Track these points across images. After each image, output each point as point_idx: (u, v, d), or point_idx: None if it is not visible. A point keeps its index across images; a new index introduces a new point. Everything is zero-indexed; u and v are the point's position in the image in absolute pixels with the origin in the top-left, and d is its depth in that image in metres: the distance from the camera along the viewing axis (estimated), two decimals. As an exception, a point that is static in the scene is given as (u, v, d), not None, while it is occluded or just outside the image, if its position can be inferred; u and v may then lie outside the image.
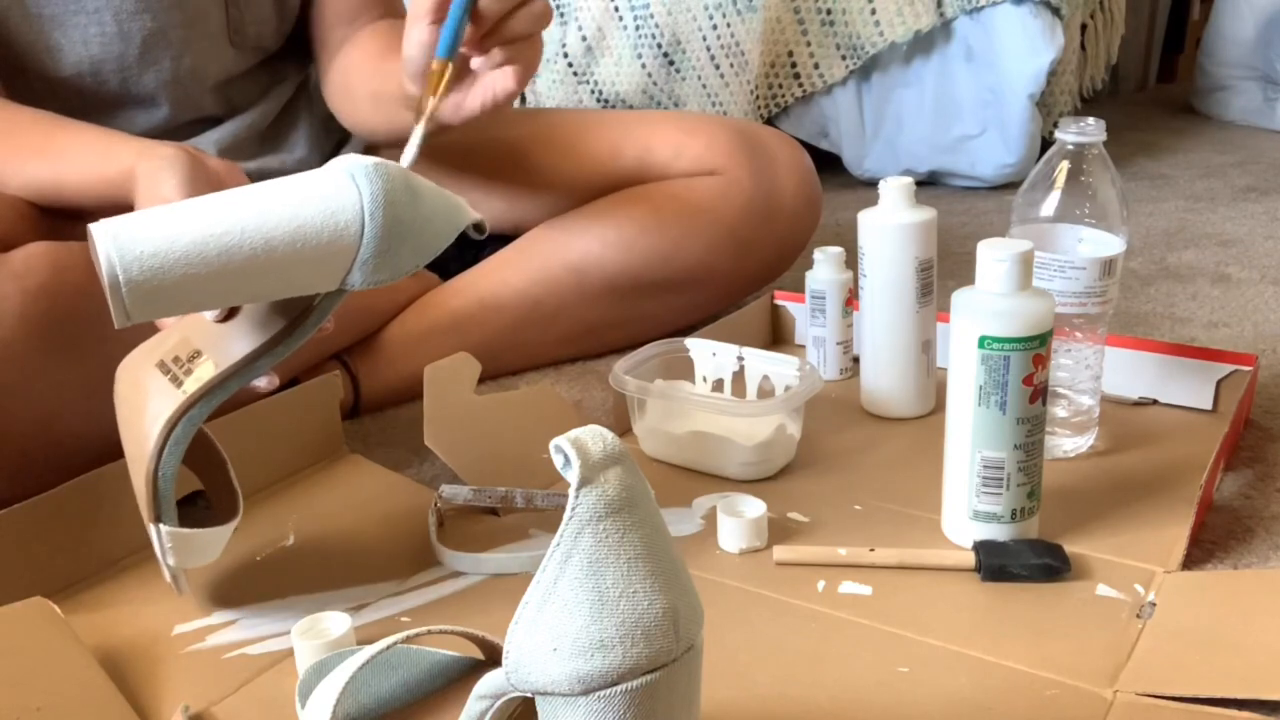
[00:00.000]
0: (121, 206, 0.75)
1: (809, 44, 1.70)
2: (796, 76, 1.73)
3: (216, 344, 0.62)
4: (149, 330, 0.77)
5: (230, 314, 0.62)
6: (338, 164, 0.58)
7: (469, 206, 0.64)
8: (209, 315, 0.62)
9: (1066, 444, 0.83)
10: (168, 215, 0.55)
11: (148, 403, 0.62)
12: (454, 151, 1.09)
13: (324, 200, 0.56)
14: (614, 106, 1.82)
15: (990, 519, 0.70)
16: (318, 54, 1.04)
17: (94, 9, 0.88)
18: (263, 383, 0.66)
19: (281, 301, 0.61)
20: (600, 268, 1.02)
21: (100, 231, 0.53)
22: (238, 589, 0.71)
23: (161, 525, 0.62)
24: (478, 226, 0.64)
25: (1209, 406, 0.89)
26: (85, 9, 0.87)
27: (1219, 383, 0.88)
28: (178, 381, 0.61)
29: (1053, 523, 0.74)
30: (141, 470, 0.62)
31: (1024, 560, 0.68)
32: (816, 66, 1.71)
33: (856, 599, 0.67)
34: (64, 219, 0.81)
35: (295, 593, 0.70)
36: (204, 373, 0.61)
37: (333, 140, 1.09)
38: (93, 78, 0.90)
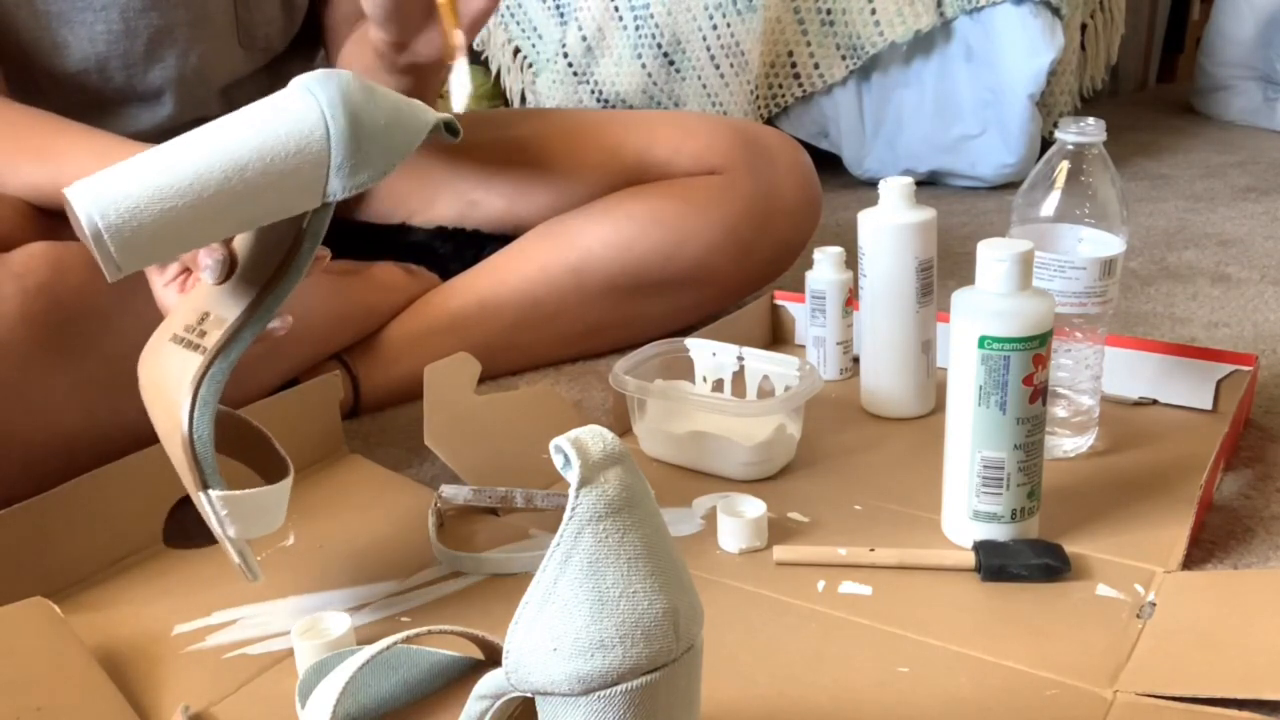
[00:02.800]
0: None
1: (809, 44, 1.70)
2: (796, 76, 1.73)
3: (222, 301, 0.62)
4: (151, 327, 0.78)
5: (229, 272, 0.62)
6: (293, 82, 0.59)
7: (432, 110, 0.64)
8: (207, 278, 0.62)
9: (1066, 444, 0.83)
10: (138, 162, 0.55)
11: (170, 374, 0.61)
12: (454, 151, 1.09)
13: (285, 114, 0.57)
14: (614, 106, 1.82)
15: (990, 519, 0.70)
16: (328, 53, 1.05)
17: (101, 6, 0.88)
18: (276, 324, 0.65)
19: (272, 237, 0.61)
20: (600, 268, 1.02)
21: (74, 191, 0.54)
22: (238, 589, 0.71)
23: (210, 492, 0.60)
24: (449, 127, 0.63)
25: (1209, 406, 0.89)
26: (92, 6, 0.87)
27: (1219, 383, 0.88)
28: (195, 346, 0.61)
29: (1053, 523, 0.74)
30: (177, 440, 0.60)
31: (1024, 560, 0.68)
32: (816, 66, 1.71)
33: (856, 599, 0.67)
34: (64, 219, 0.81)
35: (295, 593, 0.70)
36: (217, 330, 0.61)
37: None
38: (98, 74, 0.90)
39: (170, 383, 0.61)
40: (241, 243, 0.63)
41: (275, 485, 0.63)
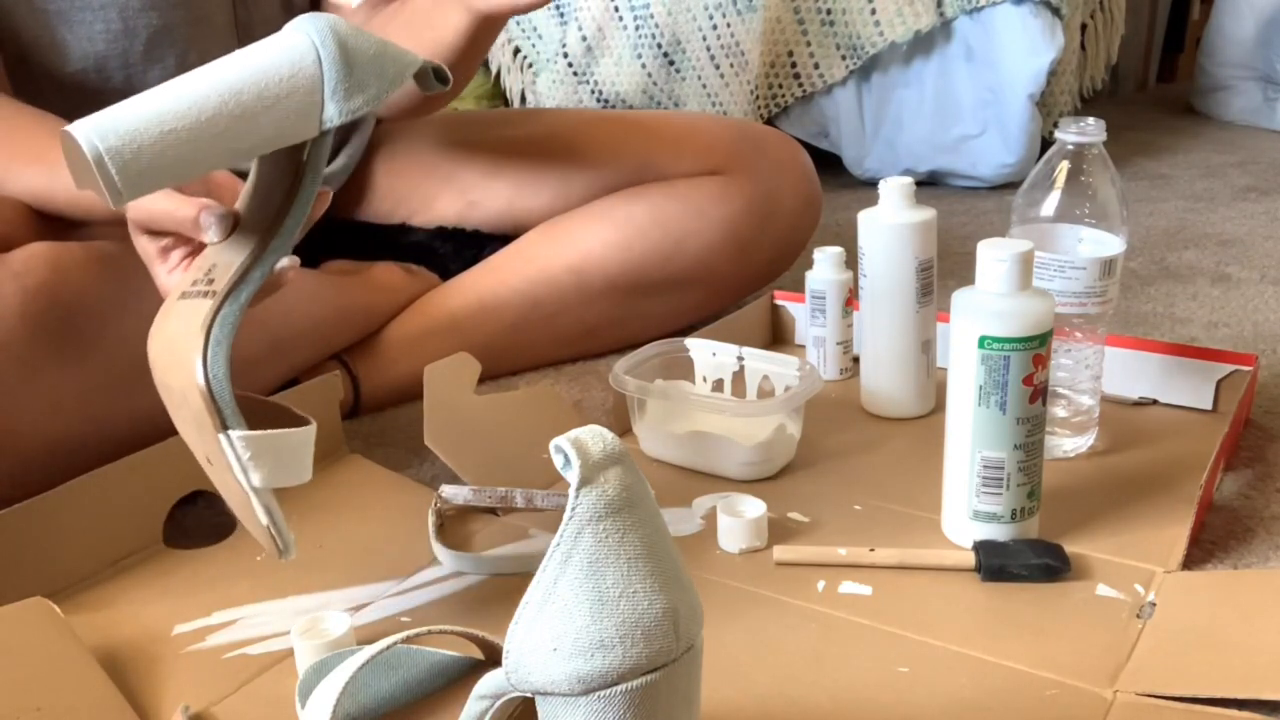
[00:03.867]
0: (113, 219, 0.75)
1: (809, 44, 1.70)
2: (796, 76, 1.73)
3: (228, 249, 0.61)
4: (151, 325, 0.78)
5: (231, 228, 0.62)
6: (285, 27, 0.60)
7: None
8: (211, 236, 0.62)
9: (1066, 444, 0.83)
10: (136, 98, 0.56)
11: (181, 327, 0.60)
12: (455, 151, 1.10)
13: (277, 45, 0.58)
14: (614, 106, 1.82)
15: (990, 519, 0.70)
16: None
17: (100, 5, 0.88)
18: (285, 263, 0.64)
19: (274, 176, 0.62)
20: (600, 268, 1.02)
21: (74, 126, 0.54)
22: (238, 589, 0.71)
23: (231, 433, 0.57)
24: (437, 73, 0.64)
25: (1209, 406, 0.89)
26: (91, 5, 0.87)
27: (1219, 383, 0.88)
28: (204, 294, 0.60)
29: (1053, 523, 0.74)
30: (193, 394, 0.58)
31: (1024, 560, 0.68)
32: (816, 66, 1.71)
33: (856, 599, 0.67)
34: (64, 220, 0.81)
35: (295, 593, 0.70)
36: (225, 274, 0.60)
37: (335, 140, 1.09)
38: (97, 74, 0.90)
39: (181, 334, 0.60)
40: (242, 199, 0.63)
41: (298, 429, 0.60)
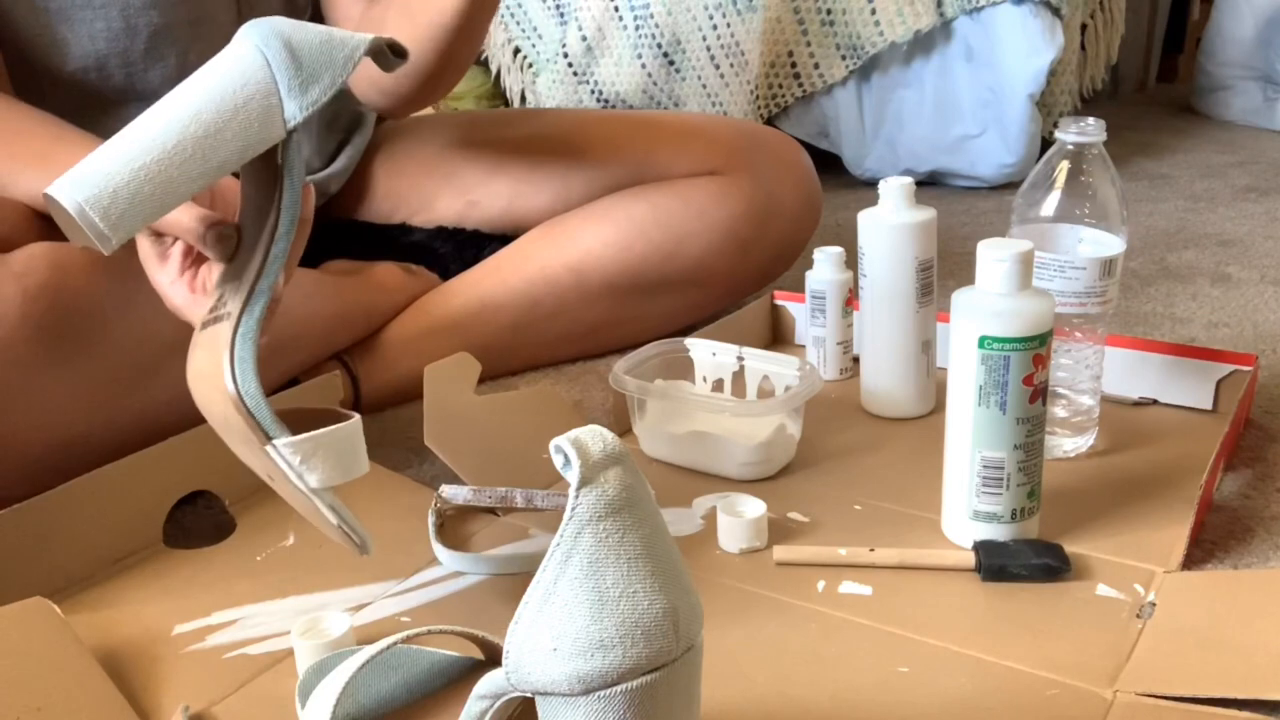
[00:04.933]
0: None
1: (809, 44, 1.70)
2: (796, 76, 1.73)
3: (232, 273, 0.63)
4: (152, 328, 0.78)
5: (235, 243, 0.63)
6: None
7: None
8: (215, 255, 0.63)
9: (1066, 444, 0.83)
10: (107, 145, 0.58)
11: (207, 355, 0.61)
12: (454, 151, 1.10)
13: (225, 59, 0.60)
14: (614, 106, 1.82)
15: (990, 519, 0.70)
16: None
17: (101, 4, 0.88)
18: (281, 279, 0.65)
19: (260, 192, 0.63)
20: (600, 267, 1.02)
21: (53, 188, 0.56)
22: (238, 589, 0.71)
23: (276, 442, 0.58)
24: (393, 48, 0.65)
25: (1209, 406, 0.89)
26: (92, 4, 0.87)
27: (1219, 383, 0.88)
28: (220, 319, 0.62)
29: (1053, 523, 0.74)
30: (233, 412, 0.59)
31: (1024, 560, 0.68)
32: (816, 66, 1.71)
33: (856, 599, 0.67)
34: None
35: (295, 593, 0.70)
36: (235, 296, 0.61)
37: (335, 140, 1.09)
38: (98, 73, 0.90)
39: (208, 363, 0.61)
40: (241, 214, 0.64)
41: (342, 424, 0.60)
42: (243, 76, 0.59)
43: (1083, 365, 0.81)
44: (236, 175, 0.65)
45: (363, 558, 0.74)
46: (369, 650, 0.53)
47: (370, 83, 0.98)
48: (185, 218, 0.64)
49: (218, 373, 0.60)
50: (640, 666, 0.42)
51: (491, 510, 0.79)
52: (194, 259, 0.67)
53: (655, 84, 1.79)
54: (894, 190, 0.87)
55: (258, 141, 0.59)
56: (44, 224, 0.81)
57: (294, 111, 0.60)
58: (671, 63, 1.77)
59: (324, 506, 0.59)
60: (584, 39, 1.81)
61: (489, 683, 0.45)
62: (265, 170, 0.62)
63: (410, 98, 0.98)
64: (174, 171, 0.57)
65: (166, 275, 0.67)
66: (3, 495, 0.71)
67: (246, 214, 0.64)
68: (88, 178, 0.56)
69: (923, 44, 1.67)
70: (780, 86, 1.75)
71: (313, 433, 0.59)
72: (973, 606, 0.66)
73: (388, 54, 0.64)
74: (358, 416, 0.62)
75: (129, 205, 0.56)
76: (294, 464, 0.58)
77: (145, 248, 0.68)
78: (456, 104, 1.99)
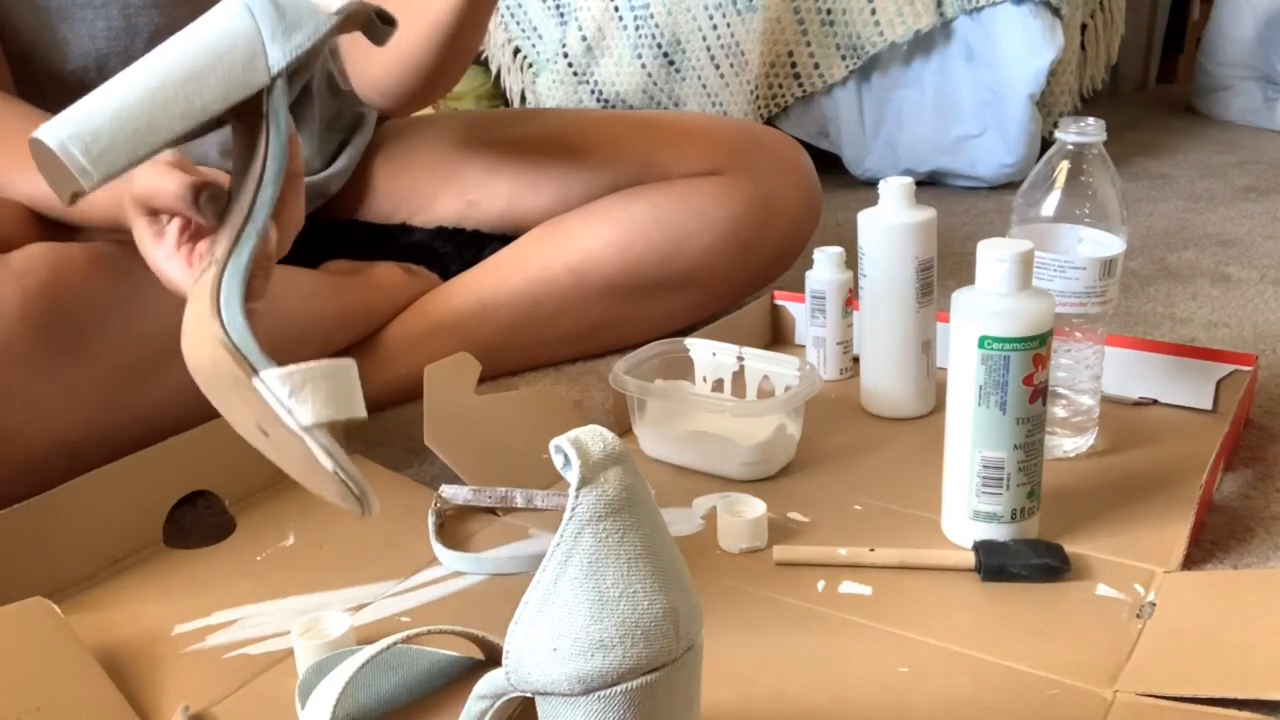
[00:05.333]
0: (109, 225, 0.75)
1: (809, 44, 1.70)
2: (796, 76, 1.73)
3: (224, 228, 0.63)
4: (152, 327, 0.78)
5: (225, 200, 0.64)
6: None
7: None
8: (206, 216, 0.64)
9: (1066, 444, 0.83)
10: (93, 93, 0.61)
11: (195, 304, 0.60)
12: (455, 151, 1.10)
13: (211, 14, 0.63)
14: (614, 106, 1.82)
15: (990, 519, 0.70)
16: (338, 43, 1.04)
17: (101, 3, 0.88)
18: (273, 233, 0.64)
19: (245, 137, 0.64)
20: (600, 267, 1.02)
21: (39, 131, 0.58)
22: (238, 589, 0.71)
23: (263, 374, 0.55)
24: (381, 15, 0.66)
25: (1209, 406, 0.89)
26: (93, 3, 0.87)
27: (1219, 383, 0.88)
28: (209, 268, 0.61)
29: (1053, 523, 0.74)
30: (218, 351, 0.56)
31: (1024, 560, 0.68)
32: (816, 66, 1.71)
33: (856, 599, 0.67)
34: (64, 223, 0.81)
35: (295, 593, 0.70)
36: (222, 244, 0.62)
37: (336, 141, 1.09)
38: (98, 72, 0.90)
39: (196, 311, 0.60)
40: (232, 179, 0.66)
41: (335, 359, 0.57)
42: (227, 25, 0.61)
43: (1083, 365, 0.81)
44: (221, 122, 0.66)
45: (362, 557, 0.74)
46: (369, 650, 0.53)
47: (371, 83, 0.98)
48: (173, 183, 0.64)
49: (204, 315, 0.58)
50: (640, 666, 0.42)
51: (491, 510, 0.79)
52: (190, 234, 0.66)
53: (655, 84, 1.79)
54: (894, 190, 0.87)
55: (241, 85, 0.61)
56: (43, 224, 0.81)
57: (277, 57, 0.61)
58: (671, 63, 1.77)
59: (317, 448, 0.54)
60: (584, 39, 1.81)
61: (489, 683, 0.45)
62: (254, 129, 0.63)
63: (411, 96, 0.98)
64: (157, 111, 0.59)
65: (163, 250, 0.66)
66: (3, 495, 0.71)
67: (237, 176, 0.64)
68: (71, 119, 0.58)
69: (923, 44, 1.67)
70: (780, 86, 1.75)
71: (303, 364, 0.55)
72: (973, 606, 0.66)
73: (376, 23, 0.66)
74: (351, 360, 0.58)
75: (110, 142, 0.58)
76: (283, 398, 0.54)
77: (141, 227, 0.67)
78: (456, 104, 1.99)
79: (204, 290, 0.60)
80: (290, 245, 0.68)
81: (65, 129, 0.58)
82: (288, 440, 0.56)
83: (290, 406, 0.54)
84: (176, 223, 0.67)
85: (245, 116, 0.63)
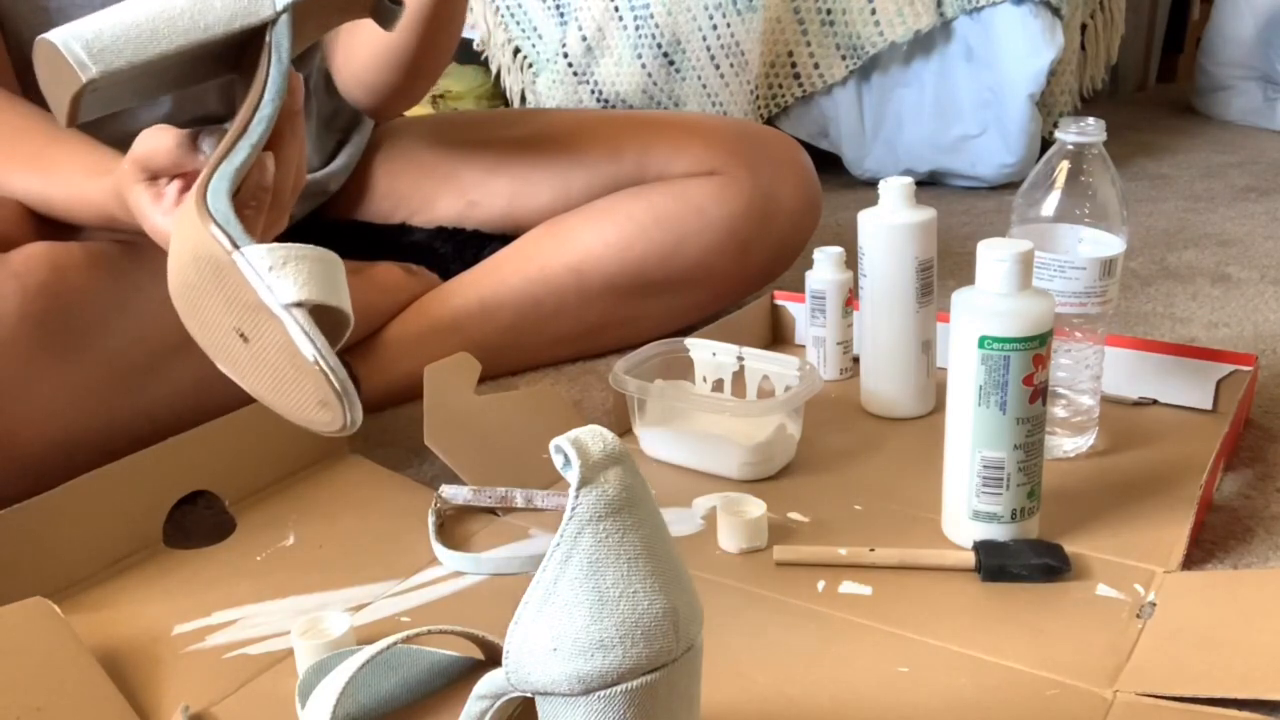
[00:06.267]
0: (107, 224, 0.75)
1: (809, 44, 1.70)
2: (796, 76, 1.73)
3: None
4: (152, 327, 0.78)
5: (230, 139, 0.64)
6: None
7: None
8: (204, 147, 0.65)
9: (1066, 444, 0.83)
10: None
11: (183, 214, 0.60)
12: (454, 151, 1.10)
13: None
14: (614, 106, 1.82)
15: (990, 519, 0.70)
16: (326, 47, 1.04)
17: (102, 3, 0.88)
18: (270, 167, 0.64)
19: (243, 91, 0.65)
20: (600, 267, 1.02)
21: (45, 35, 0.61)
22: (238, 589, 0.71)
23: (244, 250, 0.53)
24: None
25: (1209, 406, 0.89)
26: (93, 3, 0.87)
27: (1219, 383, 0.88)
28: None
29: (1053, 523, 0.74)
30: (201, 245, 0.55)
31: (1024, 560, 0.68)
32: (816, 66, 1.71)
33: (856, 599, 0.67)
34: (63, 223, 0.81)
35: (295, 593, 0.70)
36: (215, 158, 0.62)
37: (334, 139, 1.09)
38: None
39: (181, 210, 0.60)
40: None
41: (322, 249, 0.55)
42: None
43: (1083, 365, 0.81)
44: (223, 67, 0.67)
45: (362, 557, 0.74)
46: (369, 650, 0.53)
47: (355, 79, 0.98)
48: (170, 137, 0.65)
49: (188, 212, 0.57)
50: (640, 666, 0.42)
51: (491, 510, 0.79)
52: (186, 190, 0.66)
53: (655, 84, 1.79)
54: (894, 190, 0.87)
55: (245, 13, 0.63)
56: (43, 224, 0.81)
57: None
58: (671, 63, 1.77)
59: (297, 330, 0.51)
60: (584, 39, 1.81)
61: (489, 683, 0.45)
62: (253, 54, 0.65)
63: (394, 90, 0.97)
64: (160, 24, 0.61)
65: (161, 210, 0.66)
66: (3, 495, 0.71)
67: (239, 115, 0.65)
68: (78, 26, 0.61)
69: (923, 44, 1.67)
70: (780, 86, 1.75)
71: (288, 244, 0.53)
72: (973, 606, 0.66)
73: (386, 3, 0.67)
74: (337, 255, 0.57)
75: (111, 41, 0.60)
76: (263, 272, 0.52)
77: (139, 193, 0.67)
78: (456, 104, 1.99)
79: (189, 196, 0.60)
80: (292, 201, 0.68)
81: (70, 29, 0.60)
82: (267, 338, 0.52)
83: (271, 283, 0.52)
84: (176, 184, 0.66)
85: (246, 67, 0.65)
